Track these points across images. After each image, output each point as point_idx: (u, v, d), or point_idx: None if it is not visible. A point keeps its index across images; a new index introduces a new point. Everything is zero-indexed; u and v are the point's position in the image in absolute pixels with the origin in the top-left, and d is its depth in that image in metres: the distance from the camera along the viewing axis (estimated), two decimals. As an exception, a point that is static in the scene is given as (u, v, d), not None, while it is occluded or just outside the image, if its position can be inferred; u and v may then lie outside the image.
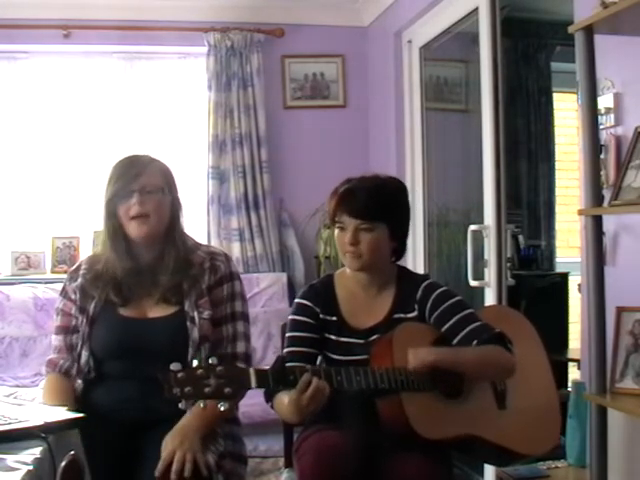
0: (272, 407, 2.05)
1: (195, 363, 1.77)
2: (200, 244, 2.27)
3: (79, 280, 2.18)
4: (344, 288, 2.17)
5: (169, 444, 1.92)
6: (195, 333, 2.09)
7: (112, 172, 2.13)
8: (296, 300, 2.19)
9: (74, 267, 2.26)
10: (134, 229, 2.09)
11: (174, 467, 1.87)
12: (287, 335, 2.15)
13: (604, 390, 2.10)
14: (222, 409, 1.76)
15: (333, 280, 2.20)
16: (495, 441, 1.98)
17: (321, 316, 2.13)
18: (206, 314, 2.12)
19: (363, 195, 2.07)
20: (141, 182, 2.08)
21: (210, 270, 2.16)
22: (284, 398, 1.94)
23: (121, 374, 2.09)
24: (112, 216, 2.11)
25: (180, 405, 1.77)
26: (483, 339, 1.99)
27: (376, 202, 2.07)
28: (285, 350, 2.12)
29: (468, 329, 2.02)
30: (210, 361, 1.77)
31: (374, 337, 2.07)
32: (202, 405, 1.75)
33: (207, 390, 1.73)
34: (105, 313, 2.13)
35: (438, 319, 2.07)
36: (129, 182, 2.08)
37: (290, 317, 2.16)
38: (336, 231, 2.12)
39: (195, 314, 2.11)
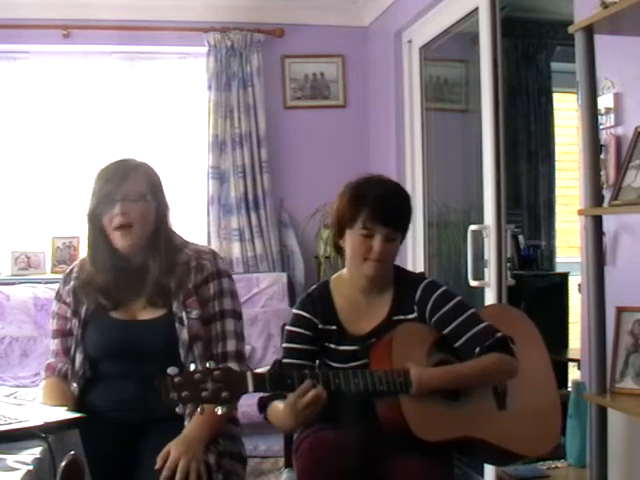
0: (265, 417, 2.04)
1: (192, 367, 1.77)
2: (187, 242, 2.24)
3: (72, 283, 2.18)
4: (341, 294, 2.14)
5: (173, 451, 1.90)
6: (184, 334, 2.07)
7: (95, 180, 2.12)
8: (294, 311, 2.17)
9: (67, 270, 2.25)
10: (118, 240, 2.07)
11: (178, 476, 1.86)
12: (284, 345, 2.13)
13: (604, 390, 2.10)
14: (220, 412, 1.76)
15: (329, 287, 2.17)
16: (495, 442, 1.97)
17: (320, 327, 2.10)
18: (194, 314, 2.09)
19: (396, 204, 2.07)
20: (123, 191, 2.06)
21: (196, 269, 2.14)
22: (279, 405, 1.94)
23: (117, 375, 2.09)
24: (95, 225, 2.10)
25: (177, 410, 1.76)
26: (485, 347, 1.98)
27: (404, 212, 2.09)
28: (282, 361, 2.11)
29: (470, 333, 2.01)
30: (207, 365, 1.76)
31: (373, 340, 2.06)
32: (199, 410, 1.75)
33: (204, 395, 1.73)
34: (97, 316, 2.13)
35: (439, 322, 2.06)
36: (112, 191, 2.06)
37: (287, 328, 2.14)
38: (356, 236, 2.04)
39: (183, 314, 2.09)
